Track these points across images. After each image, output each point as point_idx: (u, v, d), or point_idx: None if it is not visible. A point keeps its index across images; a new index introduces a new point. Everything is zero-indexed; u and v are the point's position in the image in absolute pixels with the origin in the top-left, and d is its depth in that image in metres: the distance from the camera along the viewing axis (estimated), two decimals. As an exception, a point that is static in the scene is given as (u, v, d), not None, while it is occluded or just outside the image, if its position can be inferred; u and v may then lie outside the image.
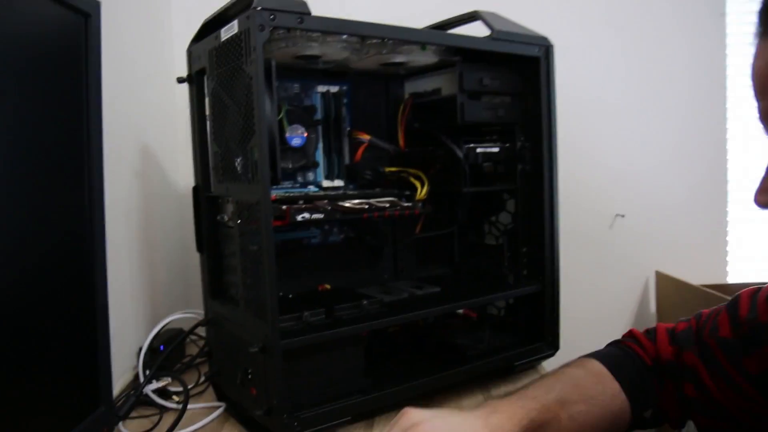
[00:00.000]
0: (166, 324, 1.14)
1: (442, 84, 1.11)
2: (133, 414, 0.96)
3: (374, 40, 0.97)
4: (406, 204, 1.03)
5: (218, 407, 1.00)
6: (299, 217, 0.90)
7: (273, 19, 0.78)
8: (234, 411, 0.98)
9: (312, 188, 1.09)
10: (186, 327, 1.10)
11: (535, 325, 1.13)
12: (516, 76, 1.10)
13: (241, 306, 0.89)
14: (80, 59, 0.66)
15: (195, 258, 1.02)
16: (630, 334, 0.89)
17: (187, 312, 1.17)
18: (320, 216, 0.93)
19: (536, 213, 1.11)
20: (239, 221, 0.87)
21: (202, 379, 1.09)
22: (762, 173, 0.58)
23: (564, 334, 1.14)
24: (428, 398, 1.00)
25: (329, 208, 0.94)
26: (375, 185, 1.13)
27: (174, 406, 0.99)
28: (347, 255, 1.17)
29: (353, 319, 0.92)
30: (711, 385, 0.77)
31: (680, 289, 1.65)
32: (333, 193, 1.06)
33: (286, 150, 1.04)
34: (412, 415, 0.68)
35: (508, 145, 1.11)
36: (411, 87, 1.19)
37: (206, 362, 1.07)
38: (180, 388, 0.98)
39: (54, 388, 0.61)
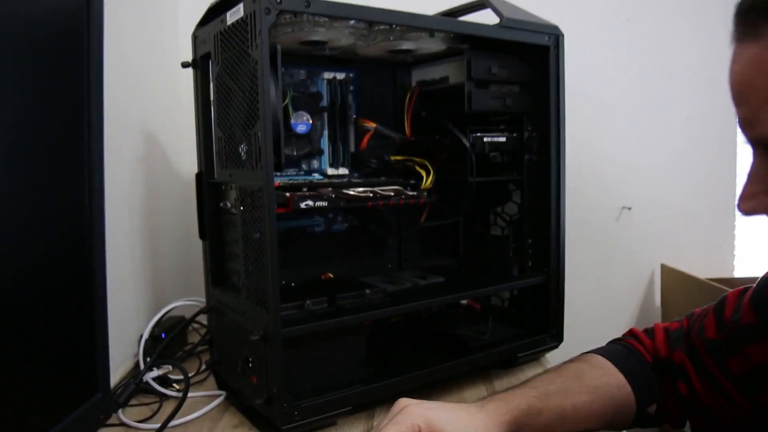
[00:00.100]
0: (168, 311, 1.13)
1: (450, 72, 1.09)
2: (133, 402, 0.96)
3: (382, 26, 0.95)
4: (411, 193, 1.02)
5: (219, 396, 0.99)
6: (303, 205, 0.89)
7: (279, 3, 0.77)
8: (234, 399, 0.97)
9: (316, 176, 1.08)
10: (188, 315, 1.09)
11: (539, 317, 1.12)
12: (525, 65, 1.09)
13: (242, 294, 0.88)
14: (81, 42, 0.65)
15: (198, 245, 1.01)
16: (630, 333, 0.89)
17: (189, 299, 1.17)
18: (324, 204, 0.92)
19: (542, 204, 1.09)
20: (242, 208, 0.86)
21: (203, 367, 1.08)
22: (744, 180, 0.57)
23: (568, 326, 1.13)
24: (430, 389, 0.99)
25: (333, 196, 0.93)
26: (380, 174, 1.12)
27: (174, 394, 0.99)
28: (351, 244, 1.16)
29: (356, 309, 0.91)
30: (697, 385, 0.77)
31: (686, 283, 1.64)
32: (337, 181, 1.05)
33: (290, 137, 1.03)
34: (404, 400, 0.69)
35: (515, 135, 1.09)
36: (418, 75, 1.18)
37: (208, 350, 1.07)
38: (180, 376, 0.97)
39: (50, 375, 0.61)
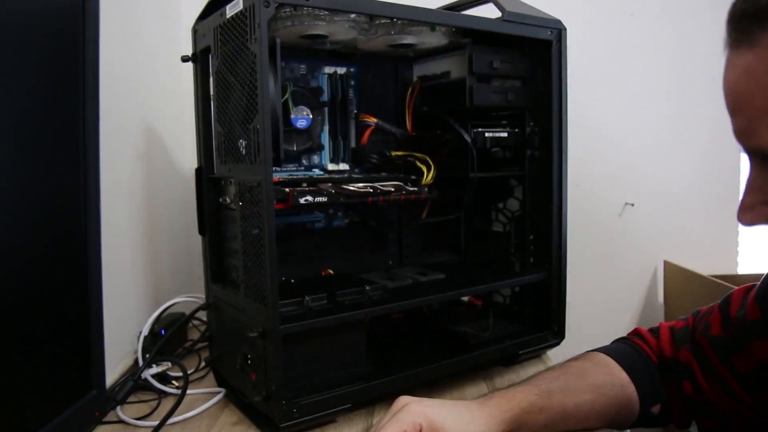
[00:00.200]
0: (168, 308, 1.13)
1: (452, 67, 1.08)
2: (132, 399, 0.95)
3: (383, 20, 0.94)
4: (412, 188, 1.01)
5: (218, 393, 0.98)
6: (302, 200, 0.89)
7: (278, -5, 0.76)
8: (234, 397, 0.97)
9: (317, 171, 1.07)
10: (188, 311, 1.08)
11: (540, 314, 1.12)
12: (527, 59, 1.08)
13: (241, 290, 0.87)
14: (77, 39, 0.64)
15: (198, 241, 1.00)
16: (635, 332, 0.88)
17: (189, 296, 1.16)
18: (324, 199, 0.91)
19: (544, 200, 1.08)
20: (241, 203, 0.85)
21: (203, 364, 1.08)
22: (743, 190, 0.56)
23: (570, 323, 1.12)
24: (431, 387, 0.99)
25: (333, 191, 0.92)
26: (381, 169, 1.11)
27: (173, 391, 0.98)
28: (351, 240, 1.16)
29: (355, 305, 0.90)
30: (704, 384, 0.76)
31: (689, 280, 1.63)
32: (338, 176, 1.04)
33: (290, 132, 1.02)
34: (405, 398, 0.68)
35: (517, 130, 1.08)
36: (420, 70, 1.17)
37: (207, 347, 1.06)
38: (180, 373, 0.97)
39: (44, 371, 0.60)
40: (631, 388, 0.78)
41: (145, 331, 1.07)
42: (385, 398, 0.92)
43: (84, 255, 0.66)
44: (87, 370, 0.67)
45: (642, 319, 1.80)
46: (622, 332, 0.90)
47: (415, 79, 1.16)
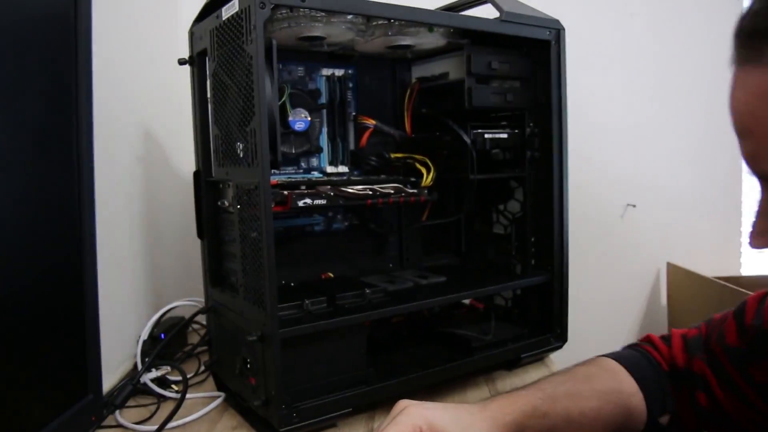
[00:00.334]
0: (167, 312, 1.12)
1: (450, 68, 1.08)
2: (131, 403, 0.94)
3: (380, 21, 0.94)
4: (411, 191, 1.01)
5: (217, 397, 0.98)
6: (301, 203, 0.88)
7: (274, -3, 0.76)
8: (233, 401, 0.96)
9: (315, 174, 1.07)
10: (188, 315, 1.08)
11: (543, 317, 1.11)
12: (526, 60, 1.07)
13: (240, 294, 0.87)
14: (69, 43, 0.64)
15: (198, 244, 1.00)
16: (647, 338, 0.85)
17: (189, 300, 1.15)
18: (323, 202, 0.91)
19: (545, 201, 1.08)
20: (239, 206, 0.85)
21: (202, 368, 1.07)
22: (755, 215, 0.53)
23: (572, 326, 1.11)
24: (432, 391, 0.98)
25: (332, 194, 0.92)
26: (380, 172, 1.11)
27: (172, 395, 0.98)
28: (351, 243, 1.15)
29: (355, 308, 0.90)
30: (719, 394, 0.74)
31: (692, 281, 1.62)
32: (337, 179, 1.03)
33: (288, 134, 1.01)
34: (405, 401, 0.67)
35: (517, 131, 1.08)
36: (418, 71, 1.16)
37: (207, 351, 1.05)
38: (179, 378, 0.96)
39: (40, 376, 0.60)
40: (639, 397, 0.75)
41: (145, 335, 1.07)
42: (386, 402, 0.91)
43: (79, 258, 0.65)
44: (83, 374, 0.66)
45: (645, 322, 1.79)
46: (625, 335, 0.89)
47: (413, 80, 1.16)
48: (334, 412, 0.86)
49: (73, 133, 0.64)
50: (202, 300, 1.03)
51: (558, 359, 1.13)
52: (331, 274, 1.09)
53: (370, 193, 0.96)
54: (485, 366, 1.05)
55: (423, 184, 1.04)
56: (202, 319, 1.08)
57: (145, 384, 0.97)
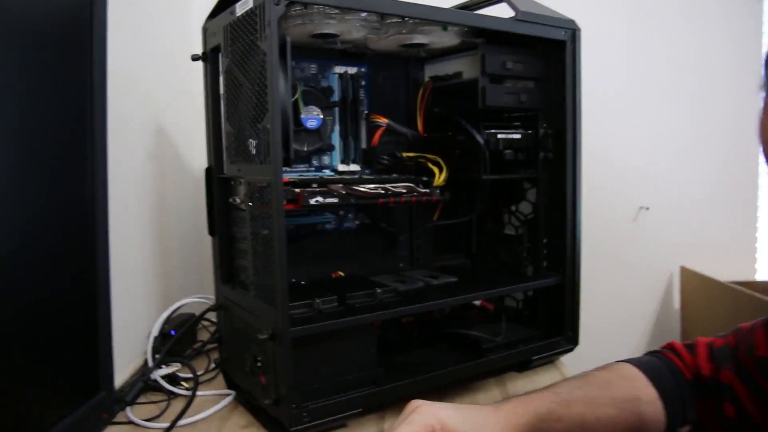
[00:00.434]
0: (178, 309, 1.12)
1: (464, 67, 1.08)
2: (142, 400, 0.94)
3: (394, 19, 0.94)
4: (423, 190, 1.00)
5: (228, 395, 0.98)
6: (312, 201, 0.88)
7: (288, -7, 0.75)
8: (243, 399, 0.96)
9: (327, 172, 1.07)
10: (198, 312, 1.08)
11: (554, 319, 1.10)
12: (540, 60, 1.06)
13: (251, 291, 0.87)
14: (84, 40, 0.64)
15: (209, 241, 0.99)
16: (669, 346, 0.82)
17: (199, 297, 1.16)
18: (334, 200, 0.90)
19: (558, 203, 1.07)
20: (251, 204, 0.85)
21: (212, 365, 1.07)
22: None
23: (584, 328, 1.10)
24: (442, 392, 0.97)
25: (344, 192, 0.92)
26: (392, 171, 1.10)
27: (183, 392, 0.98)
28: (362, 242, 1.15)
29: (366, 308, 0.89)
30: (749, 405, 0.72)
31: (706, 286, 1.60)
32: (348, 177, 1.03)
33: (301, 132, 1.01)
34: (417, 401, 0.67)
35: (530, 131, 1.07)
36: (431, 70, 1.16)
37: (217, 348, 1.05)
38: (189, 375, 0.96)
39: (52, 373, 0.59)
40: (658, 406, 0.73)
41: (155, 332, 1.07)
42: (396, 403, 0.91)
43: (92, 255, 0.65)
44: (95, 372, 0.66)
45: (658, 326, 1.77)
46: (638, 339, 0.88)
47: (426, 79, 1.15)
48: (345, 412, 0.85)
49: (87, 129, 0.63)
50: (213, 297, 1.03)
51: (569, 362, 1.12)
52: (342, 273, 1.08)
53: (382, 192, 0.95)
54: (496, 368, 1.04)
55: (435, 183, 1.03)
56: (212, 316, 1.08)
57: (155, 381, 0.97)
